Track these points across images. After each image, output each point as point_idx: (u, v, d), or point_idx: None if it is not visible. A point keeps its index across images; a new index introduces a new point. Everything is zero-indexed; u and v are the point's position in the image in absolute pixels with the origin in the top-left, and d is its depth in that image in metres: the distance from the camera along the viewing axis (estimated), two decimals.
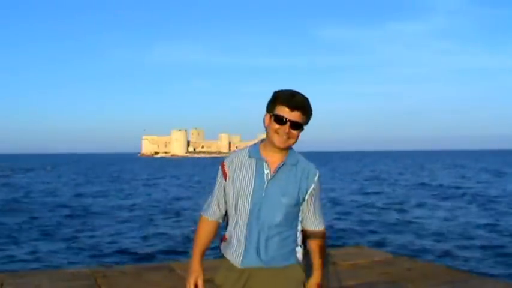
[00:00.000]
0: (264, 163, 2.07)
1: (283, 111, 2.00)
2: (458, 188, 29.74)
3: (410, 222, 15.92)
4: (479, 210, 18.94)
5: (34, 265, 9.99)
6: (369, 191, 28.69)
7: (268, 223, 2.04)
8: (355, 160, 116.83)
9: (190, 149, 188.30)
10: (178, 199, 24.77)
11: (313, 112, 2.08)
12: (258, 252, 2.05)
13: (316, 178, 2.12)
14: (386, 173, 51.91)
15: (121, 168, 75.96)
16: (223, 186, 2.14)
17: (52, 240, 13.02)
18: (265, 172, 2.06)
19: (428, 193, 26.59)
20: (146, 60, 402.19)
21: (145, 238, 13.32)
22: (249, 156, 2.11)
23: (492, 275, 7.64)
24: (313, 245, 2.18)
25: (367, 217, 17.15)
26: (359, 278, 4.87)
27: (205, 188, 32.41)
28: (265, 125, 2.08)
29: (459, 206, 20.51)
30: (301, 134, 2.08)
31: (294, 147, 2.13)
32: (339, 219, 16.41)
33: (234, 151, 2.23)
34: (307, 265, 2.18)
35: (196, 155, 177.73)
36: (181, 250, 11.58)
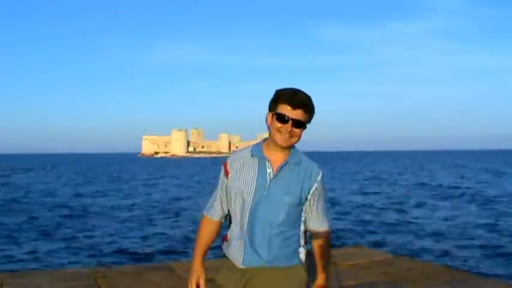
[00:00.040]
0: (267, 162, 2.05)
1: (285, 109, 1.99)
2: (458, 188, 29.75)
3: (410, 222, 15.93)
4: (479, 210, 18.95)
5: (34, 265, 9.99)
6: (369, 191, 28.70)
7: (270, 222, 2.02)
8: (355, 160, 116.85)
9: (190, 149, 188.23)
10: (178, 199, 24.77)
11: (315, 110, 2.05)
12: (260, 252, 2.03)
13: (319, 178, 2.09)
14: (386, 173, 51.92)
15: (121, 168, 75.95)
16: (226, 186, 2.12)
17: (52, 240, 13.02)
18: (268, 171, 2.04)
19: (428, 193, 26.60)
20: (146, 60, 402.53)
21: (145, 238, 13.32)
22: (252, 155, 2.09)
23: (492, 275, 7.64)
24: (317, 246, 2.15)
25: (366, 217, 17.16)
26: (359, 278, 4.87)
27: (205, 188, 32.41)
28: (268, 123, 2.06)
29: (459, 206, 20.52)
30: (303, 133, 2.06)
31: (296, 146, 2.11)
32: (338, 219, 16.41)
33: (235, 151, 2.23)
34: (310, 266, 2.15)
35: (196, 155, 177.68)
36: (181, 250, 11.59)
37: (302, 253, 2.12)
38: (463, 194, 25.34)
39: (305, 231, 2.15)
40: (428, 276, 4.95)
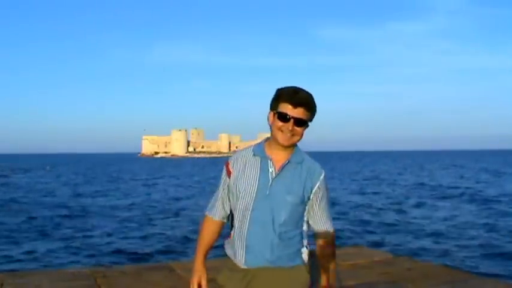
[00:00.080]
0: (269, 161, 2.04)
1: (287, 108, 1.97)
2: (457, 188, 29.75)
3: (409, 222, 15.93)
4: (478, 210, 18.95)
5: (34, 265, 9.99)
6: (369, 191, 28.70)
7: (273, 222, 2.00)
8: (355, 160, 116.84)
9: (190, 149, 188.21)
10: (177, 199, 24.76)
11: (317, 108, 2.03)
12: (263, 252, 2.01)
13: (321, 177, 2.08)
14: (386, 173, 51.92)
15: (121, 168, 75.94)
16: (228, 185, 2.11)
17: (52, 240, 13.02)
18: (270, 170, 2.03)
19: (427, 193, 26.60)
20: (146, 60, 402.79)
21: (145, 238, 13.32)
22: (254, 155, 2.08)
23: (492, 275, 7.63)
24: (320, 246, 2.13)
25: (366, 217, 17.15)
26: (359, 278, 4.86)
27: (205, 188, 32.40)
28: (269, 123, 2.05)
29: (459, 206, 20.51)
30: (304, 133, 2.04)
31: (299, 145, 2.10)
32: (338, 219, 16.39)
33: (236, 150, 2.22)
34: (312, 267, 2.13)
35: (196, 155, 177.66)
36: (181, 250, 11.59)
37: (305, 253, 2.10)
38: (462, 194, 25.35)
39: (308, 232, 2.13)
40: (428, 276, 4.95)
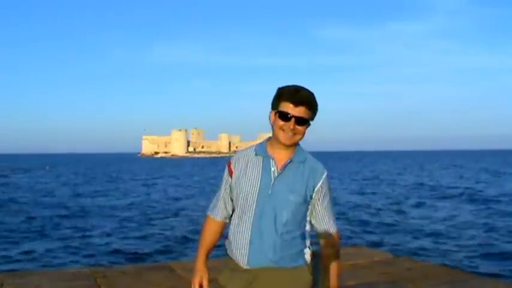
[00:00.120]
0: (271, 160, 2.02)
1: (288, 107, 1.96)
2: (457, 188, 29.74)
3: (409, 222, 15.93)
4: (478, 210, 18.94)
5: (34, 265, 9.99)
6: (368, 191, 28.70)
7: (275, 221, 1.98)
8: (354, 160, 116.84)
9: (190, 149, 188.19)
10: (177, 199, 24.74)
11: (318, 107, 2.01)
12: (265, 252, 1.99)
13: (324, 176, 2.06)
14: (385, 173, 51.92)
15: (120, 168, 75.93)
16: (230, 185, 2.10)
17: (51, 240, 13.01)
18: (272, 169, 2.01)
19: (427, 193, 26.60)
20: (146, 60, 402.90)
21: (144, 238, 13.31)
22: (256, 154, 2.06)
23: (492, 275, 7.63)
24: (324, 246, 2.10)
25: (366, 217, 17.15)
26: (359, 278, 4.86)
27: (205, 188, 32.40)
28: (271, 122, 2.03)
29: (458, 206, 20.51)
30: (306, 132, 2.02)
31: (302, 145, 2.08)
32: (337, 219, 16.06)
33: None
34: (315, 267, 2.11)
35: (196, 155, 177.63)
36: (181, 250, 11.58)
37: (307, 254, 2.08)
38: (462, 194, 25.34)
39: (310, 232, 2.12)
40: (428, 276, 4.95)
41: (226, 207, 2.15)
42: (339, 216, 17.09)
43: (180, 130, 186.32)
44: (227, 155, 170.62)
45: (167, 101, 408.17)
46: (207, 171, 57.83)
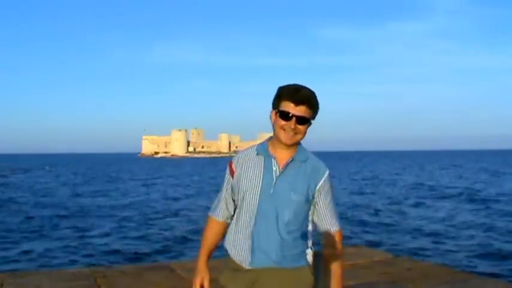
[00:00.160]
0: (273, 160, 2.01)
1: (288, 106, 1.95)
2: (457, 188, 29.74)
3: (409, 222, 15.93)
4: (478, 210, 18.93)
5: (34, 265, 9.98)
6: (368, 191, 28.69)
7: (277, 221, 1.97)
8: (354, 160, 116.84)
9: (190, 149, 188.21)
10: (177, 199, 24.73)
11: (319, 105, 2.00)
12: (268, 253, 1.98)
13: (325, 176, 2.04)
14: (385, 173, 51.91)
15: (120, 168, 75.91)
16: (231, 185, 2.09)
17: (51, 240, 13.00)
18: (274, 169, 2.00)
19: (427, 193, 26.60)
20: (146, 60, 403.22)
21: (144, 238, 13.31)
22: (257, 154, 2.05)
23: (492, 275, 7.63)
24: (326, 245, 2.09)
25: (366, 217, 17.14)
26: (359, 278, 4.85)
27: (205, 187, 32.41)
28: (272, 121, 2.02)
29: (458, 205, 20.51)
30: (307, 131, 2.01)
31: (304, 144, 2.07)
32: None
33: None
34: (316, 268, 2.10)
35: (196, 155, 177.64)
36: (181, 250, 11.58)
37: (309, 254, 2.07)
38: (461, 194, 25.35)
39: (313, 232, 2.10)
40: (428, 276, 4.95)
41: (227, 208, 2.13)
42: (339, 216, 17.08)
43: (180, 130, 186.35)
44: (227, 155, 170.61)
45: (167, 101, 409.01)
46: (207, 171, 57.83)
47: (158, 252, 11.35)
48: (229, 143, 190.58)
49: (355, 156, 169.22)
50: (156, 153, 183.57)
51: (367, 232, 14.03)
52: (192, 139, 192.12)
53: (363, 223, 15.71)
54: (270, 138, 2.08)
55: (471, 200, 22.39)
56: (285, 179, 1.99)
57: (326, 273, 2.11)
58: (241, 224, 2.05)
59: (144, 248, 11.87)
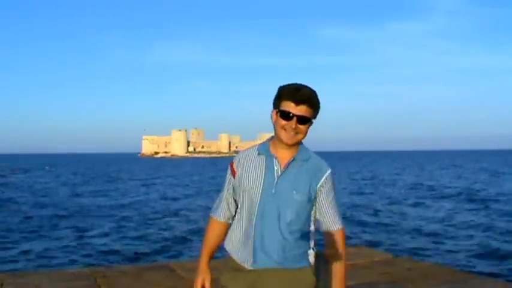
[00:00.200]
0: (274, 159, 1.99)
1: (289, 106, 1.93)
2: (456, 187, 29.75)
3: (409, 222, 15.93)
4: (477, 210, 18.93)
5: (34, 265, 9.98)
6: (367, 191, 28.69)
7: (279, 221, 1.95)
8: (354, 160, 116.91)
9: (190, 149, 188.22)
10: (176, 199, 24.72)
11: (320, 105, 1.99)
12: (270, 253, 1.96)
13: (327, 174, 2.02)
14: (385, 173, 51.92)
15: (120, 168, 75.89)
16: (233, 185, 2.07)
17: (51, 240, 13.00)
18: (275, 168, 1.98)
19: (427, 193, 26.60)
20: (146, 60, 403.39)
21: (144, 238, 13.31)
22: (259, 154, 2.03)
23: (491, 275, 7.63)
24: (329, 246, 2.06)
25: (365, 217, 17.14)
26: (359, 278, 4.85)
27: (204, 187, 32.41)
28: (273, 121, 2.00)
29: (458, 205, 20.51)
30: (308, 130, 2.00)
31: (306, 144, 2.06)
32: None
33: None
34: (318, 269, 2.08)
35: (196, 155, 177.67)
36: (180, 250, 11.58)
37: (311, 255, 2.05)
38: (461, 194, 25.35)
39: (315, 232, 2.08)
40: (428, 276, 4.95)
41: (229, 208, 2.12)
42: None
43: (180, 130, 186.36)
44: (227, 155, 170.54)
45: (167, 101, 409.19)
46: (206, 171, 57.83)
47: (158, 252, 11.35)
48: (229, 143, 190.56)
49: (355, 156, 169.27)
50: (156, 153, 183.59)
51: (367, 232, 14.03)
52: (192, 139, 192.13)
53: (362, 223, 15.71)
54: (272, 138, 2.07)
55: (471, 200, 22.40)
56: (287, 179, 1.97)
57: (328, 273, 2.09)
58: (242, 224, 2.03)
59: (144, 248, 11.87)
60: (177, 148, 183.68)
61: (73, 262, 10.23)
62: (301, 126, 1.95)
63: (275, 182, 1.97)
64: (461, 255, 10.56)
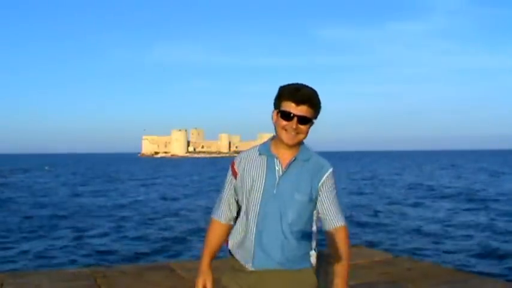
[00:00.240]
0: (275, 159, 1.98)
1: (289, 106, 1.92)
2: (456, 187, 29.77)
3: (409, 222, 15.94)
4: (477, 209, 18.95)
5: (34, 265, 9.98)
6: (367, 191, 28.70)
7: (281, 222, 1.94)
8: (354, 160, 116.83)
9: (190, 149, 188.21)
10: (176, 199, 24.73)
11: (321, 104, 1.97)
12: (271, 254, 1.95)
13: (328, 172, 2.01)
14: (385, 173, 51.93)
15: (120, 168, 75.89)
16: (234, 186, 2.06)
17: (51, 240, 13.01)
18: (277, 168, 1.97)
19: (426, 193, 26.61)
20: (146, 60, 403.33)
21: (144, 238, 13.31)
22: (260, 154, 2.02)
23: (491, 275, 7.64)
24: (332, 245, 2.03)
25: (365, 217, 17.15)
26: (359, 278, 4.85)
27: (204, 187, 32.42)
28: (273, 122, 1.99)
29: (458, 205, 20.52)
30: (309, 130, 1.99)
31: (307, 143, 2.05)
32: None
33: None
34: (319, 269, 2.07)
35: (196, 155, 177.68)
36: (180, 250, 11.59)
37: (313, 256, 2.03)
38: (461, 194, 25.37)
39: (317, 233, 2.06)
40: (428, 276, 4.95)
41: (230, 209, 2.10)
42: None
43: (180, 130, 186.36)
44: (227, 155, 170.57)
45: (167, 101, 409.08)
46: (206, 171, 57.84)
47: (158, 252, 11.35)
48: (229, 143, 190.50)
49: (355, 156, 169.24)
50: (156, 153, 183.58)
51: (367, 232, 14.04)
52: (192, 139, 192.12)
53: (362, 223, 15.71)
54: (273, 138, 2.06)
55: (470, 200, 22.41)
56: (288, 179, 1.96)
57: (330, 274, 2.07)
58: (244, 225, 2.02)
59: (144, 248, 11.87)
60: (177, 148, 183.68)
61: (73, 262, 10.23)
62: (302, 127, 1.94)
63: (276, 182, 1.96)
64: (461, 255, 10.57)
